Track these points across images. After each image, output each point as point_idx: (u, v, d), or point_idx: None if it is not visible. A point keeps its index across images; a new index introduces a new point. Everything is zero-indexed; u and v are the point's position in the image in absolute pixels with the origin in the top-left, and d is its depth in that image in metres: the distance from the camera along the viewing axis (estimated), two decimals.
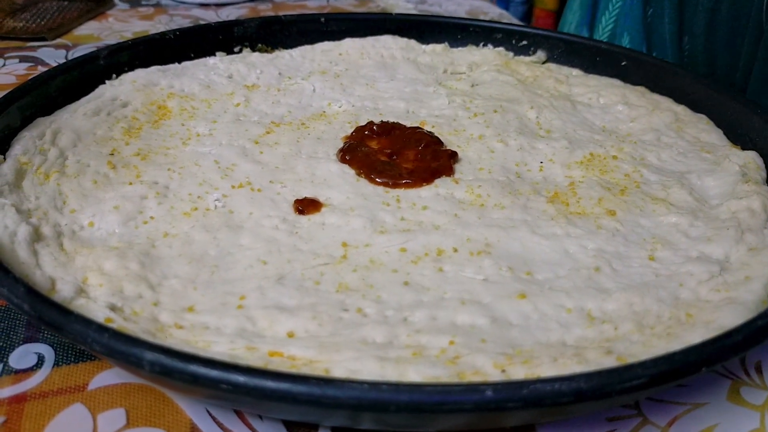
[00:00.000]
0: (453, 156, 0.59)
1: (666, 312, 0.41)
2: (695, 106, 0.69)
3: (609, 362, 0.35)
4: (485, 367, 0.36)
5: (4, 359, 0.41)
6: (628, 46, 0.96)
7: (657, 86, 0.73)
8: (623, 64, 0.77)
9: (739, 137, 0.63)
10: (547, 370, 0.35)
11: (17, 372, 0.40)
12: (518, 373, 0.35)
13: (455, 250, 0.47)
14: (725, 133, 0.65)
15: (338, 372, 0.35)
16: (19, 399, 0.38)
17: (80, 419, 0.37)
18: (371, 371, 0.35)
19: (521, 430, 0.38)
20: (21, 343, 0.42)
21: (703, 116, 0.68)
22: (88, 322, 0.33)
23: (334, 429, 0.38)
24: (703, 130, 0.65)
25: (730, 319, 0.39)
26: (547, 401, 0.30)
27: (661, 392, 0.40)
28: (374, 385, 0.30)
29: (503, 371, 0.35)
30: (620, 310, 0.42)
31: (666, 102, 0.71)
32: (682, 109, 0.69)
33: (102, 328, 0.33)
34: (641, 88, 0.74)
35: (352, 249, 0.47)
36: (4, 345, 0.42)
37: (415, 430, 0.37)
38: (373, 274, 0.45)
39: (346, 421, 0.36)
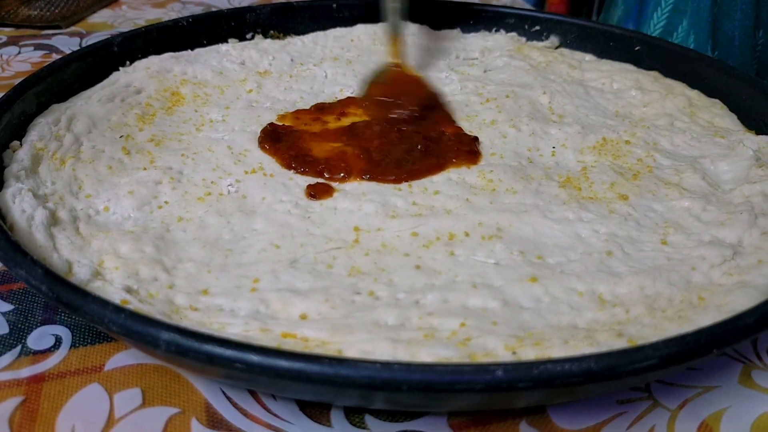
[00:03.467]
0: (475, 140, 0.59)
1: (678, 295, 0.41)
2: (709, 91, 0.69)
3: (620, 344, 0.36)
4: (496, 349, 0.36)
5: (23, 341, 0.42)
6: (679, 41, 0.94)
7: (670, 71, 0.73)
8: (636, 48, 0.76)
9: (753, 122, 0.63)
10: (557, 352, 0.35)
11: (35, 353, 0.41)
12: (529, 354, 0.35)
13: (467, 235, 0.47)
14: (739, 118, 0.64)
15: (351, 353, 0.36)
16: (37, 379, 0.39)
17: (97, 399, 0.38)
18: (383, 352, 0.35)
19: (532, 412, 0.38)
20: (39, 324, 0.43)
21: (717, 101, 0.67)
22: (105, 303, 0.34)
23: (347, 409, 0.38)
24: (716, 114, 0.65)
25: (742, 302, 0.39)
26: (558, 382, 0.30)
27: (672, 375, 0.40)
28: (387, 365, 0.30)
29: (514, 353, 0.36)
30: (632, 293, 0.42)
31: (679, 87, 0.70)
32: (695, 94, 0.69)
33: (119, 309, 0.34)
34: (654, 73, 0.73)
35: (364, 233, 0.47)
36: (23, 327, 0.43)
37: (426, 410, 0.38)
38: (385, 257, 0.45)
39: (359, 401, 0.36)
